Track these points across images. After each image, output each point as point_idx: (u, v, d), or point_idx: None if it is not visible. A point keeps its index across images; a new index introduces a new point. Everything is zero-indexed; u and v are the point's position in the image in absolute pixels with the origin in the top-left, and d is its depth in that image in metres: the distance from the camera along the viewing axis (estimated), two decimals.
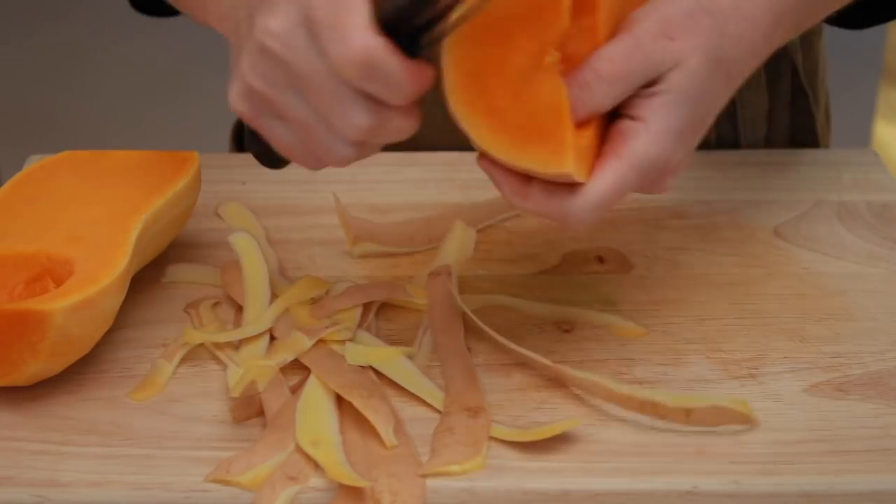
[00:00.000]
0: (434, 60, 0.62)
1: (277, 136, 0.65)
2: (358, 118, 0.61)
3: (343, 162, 0.64)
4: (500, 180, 0.65)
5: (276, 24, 0.61)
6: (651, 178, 0.65)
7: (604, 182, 0.63)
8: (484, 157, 0.65)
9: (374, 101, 0.61)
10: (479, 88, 0.63)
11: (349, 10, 0.59)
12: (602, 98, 0.63)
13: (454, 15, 0.60)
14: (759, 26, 0.68)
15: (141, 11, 0.97)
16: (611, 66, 0.63)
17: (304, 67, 0.60)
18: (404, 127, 0.63)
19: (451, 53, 0.63)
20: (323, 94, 0.61)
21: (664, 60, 0.64)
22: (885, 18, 0.92)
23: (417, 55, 0.60)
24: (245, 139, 0.72)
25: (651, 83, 0.64)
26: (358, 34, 0.58)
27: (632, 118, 0.64)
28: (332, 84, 0.60)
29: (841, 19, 0.93)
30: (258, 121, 0.65)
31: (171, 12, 0.94)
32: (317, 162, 0.65)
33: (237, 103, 0.64)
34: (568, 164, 0.62)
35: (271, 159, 0.70)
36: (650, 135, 0.64)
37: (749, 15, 0.67)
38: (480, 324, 0.74)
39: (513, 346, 0.72)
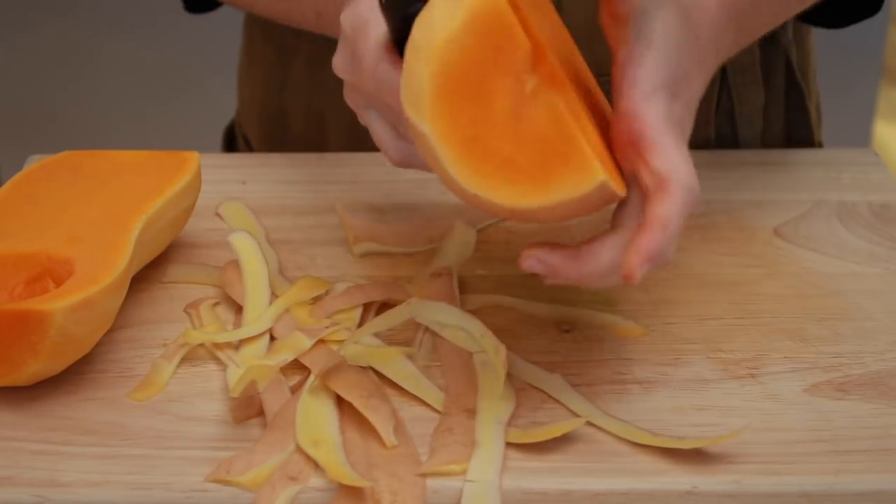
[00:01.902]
0: None
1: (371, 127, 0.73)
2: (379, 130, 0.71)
3: (394, 161, 0.72)
4: (564, 266, 0.64)
5: (336, 59, 0.72)
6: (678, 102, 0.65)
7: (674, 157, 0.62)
8: (530, 256, 0.64)
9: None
10: (480, 151, 0.61)
11: (364, 35, 0.68)
12: None
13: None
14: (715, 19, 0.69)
15: (193, 11, 0.99)
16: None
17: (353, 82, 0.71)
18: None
19: (436, 132, 0.61)
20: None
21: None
22: (863, 16, 0.93)
23: None
24: None
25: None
26: (369, 56, 0.68)
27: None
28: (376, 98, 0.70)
29: (819, 18, 0.94)
30: (359, 113, 0.73)
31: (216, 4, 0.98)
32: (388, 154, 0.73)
33: (347, 98, 0.74)
34: (598, 172, 0.60)
35: None
36: (656, 56, 0.64)
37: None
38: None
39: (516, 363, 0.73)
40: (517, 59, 0.61)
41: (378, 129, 0.71)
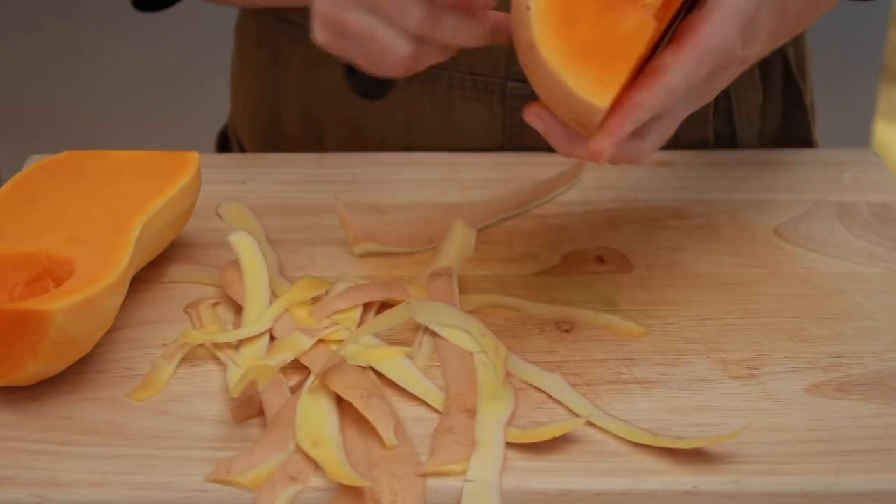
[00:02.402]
0: None
1: (351, 53, 0.71)
2: (416, 10, 0.67)
3: (403, 61, 0.69)
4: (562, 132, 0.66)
5: None
6: (715, 66, 0.66)
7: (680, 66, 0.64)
8: (535, 106, 0.65)
9: None
10: (567, 13, 0.63)
11: None
12: None
13: None
14: None
15: (143, 10, 0.98)
16: None
17: None
18: (458, 25, 0.68)
19: None
20: None
21: None
22: None
23: None
24: (345, 76, 0.79)
25: None
26: None
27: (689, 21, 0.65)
28: None
29: None
30: (337, 45, 0.71)
31: (169, 3, 0.95)
32: (380, 67, 0.71)
33: (319, 35, 0.71)
34: (606, 102, 0.62)
35: (366, 89, 0.77)
36: (714, 21, 0.65)
37: None
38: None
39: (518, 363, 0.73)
40: None
41: (358, 53, 0.71)
